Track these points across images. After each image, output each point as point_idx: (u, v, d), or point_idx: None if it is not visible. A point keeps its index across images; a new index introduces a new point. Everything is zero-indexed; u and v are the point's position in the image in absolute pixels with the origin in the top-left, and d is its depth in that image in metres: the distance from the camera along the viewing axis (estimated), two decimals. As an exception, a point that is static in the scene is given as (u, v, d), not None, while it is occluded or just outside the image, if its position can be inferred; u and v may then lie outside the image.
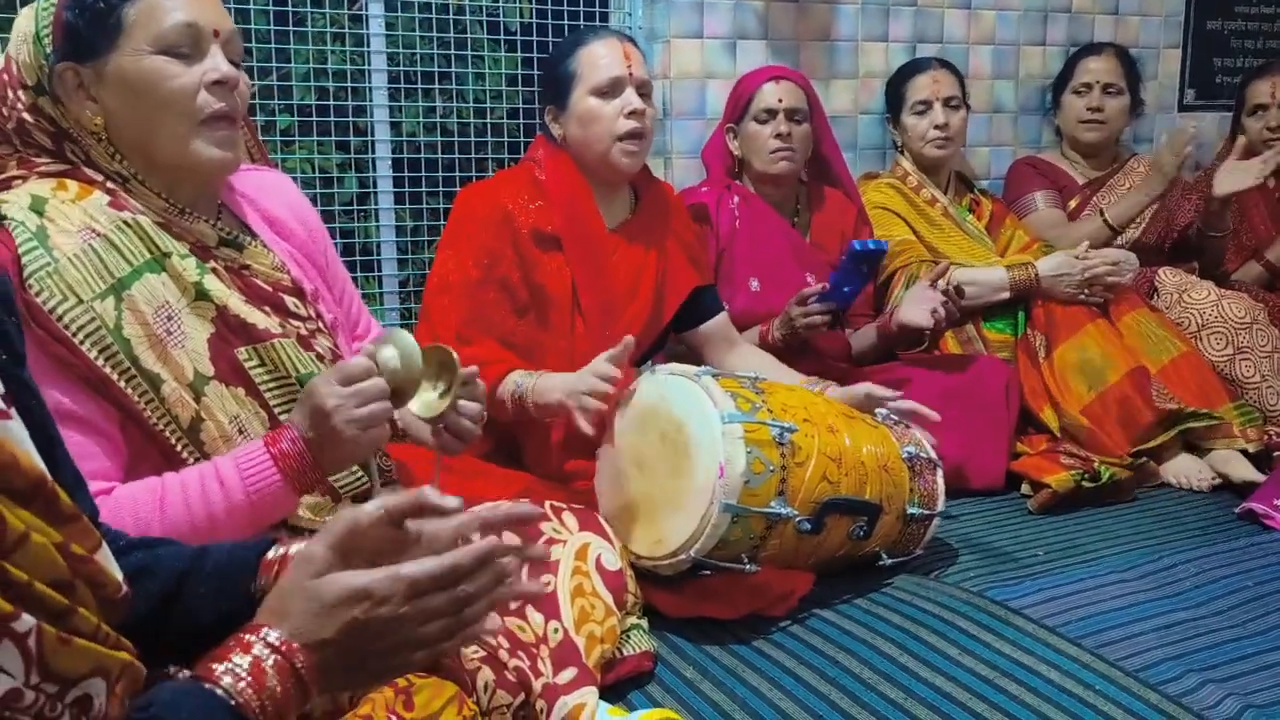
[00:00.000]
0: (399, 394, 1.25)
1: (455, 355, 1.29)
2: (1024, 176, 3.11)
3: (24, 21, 1.28)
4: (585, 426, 1.71)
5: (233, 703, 0.73)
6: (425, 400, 1.30)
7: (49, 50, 1.25)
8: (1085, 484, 2.31)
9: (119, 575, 0.80)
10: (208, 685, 0.74)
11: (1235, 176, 2.78)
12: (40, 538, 0.70)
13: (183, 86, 1.25)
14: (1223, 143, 3.38)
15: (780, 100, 2.47)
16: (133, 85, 1.25)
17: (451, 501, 0.86)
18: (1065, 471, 2.33)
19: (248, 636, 0.77)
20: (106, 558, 0.79)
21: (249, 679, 0.74)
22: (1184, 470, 2.45)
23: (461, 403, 1.35)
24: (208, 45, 1.27)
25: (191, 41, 1.26)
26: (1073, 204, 3.09)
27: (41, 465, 0.73)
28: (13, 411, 0.73)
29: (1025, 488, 2.39)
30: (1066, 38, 3.38)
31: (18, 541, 0.68)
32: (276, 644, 0.76)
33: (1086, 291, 2.60)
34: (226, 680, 0.74)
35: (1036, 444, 2.51)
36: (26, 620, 0.66)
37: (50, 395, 1.16)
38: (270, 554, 0.89)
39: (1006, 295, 2.60)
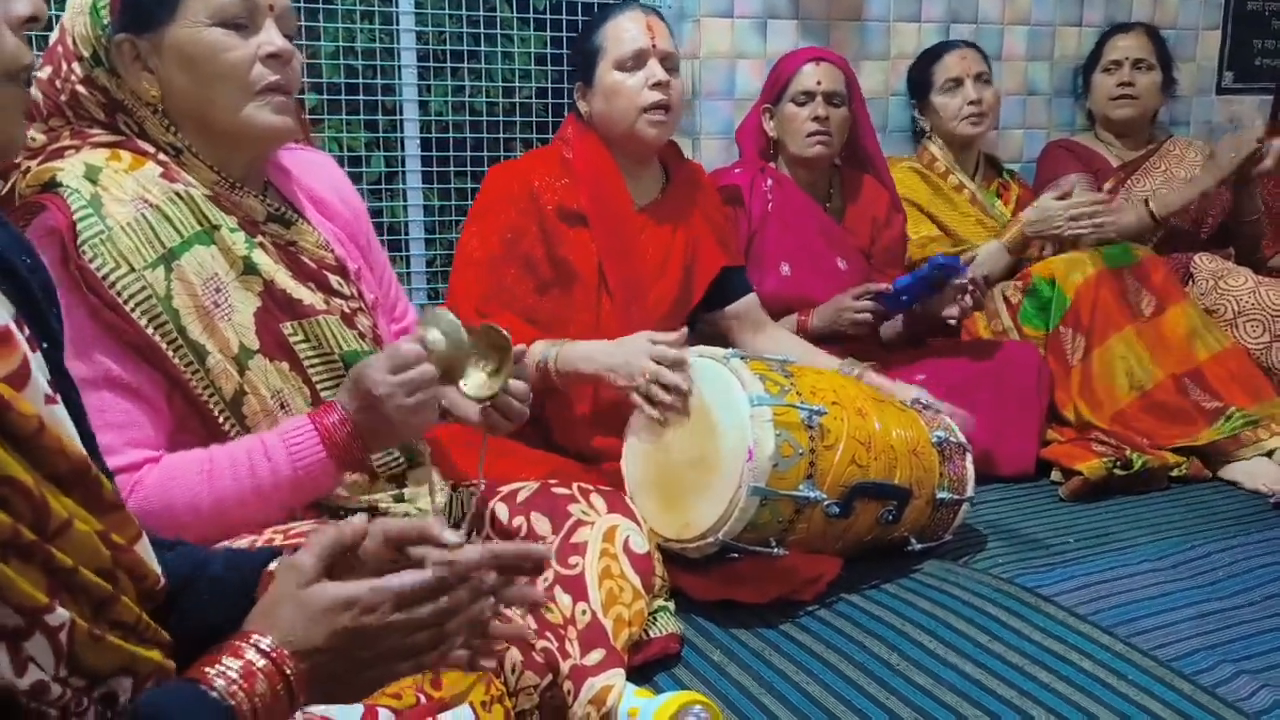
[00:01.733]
0: (447, 374, 1.25)
1: (507, 334, 1.29)
2: (1057, 159, 3.06)
3: None
4: (653, 412, 1.72)
5: (226, 705, 0.74)
6: (476, 380, 1.30)
7: (106, 22, 1.26)
8: (1117, 472, 2.28)
9: (158, 568, 0.80)
10: (201, 686, 0.74)
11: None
12: (83, 525, 0.71)
13: (239, 58, 1.27)
14: (1263, 125, 3.31)
15: (819, 83, 2.44)
16: (190, 56, 1.26)
17: (452, 536, 0.86)
18: (1097, 459, 2.30)
19: (238, 643, 0.77)
20: (146, 549, 0.80)
21: (241, 682, 0.75)
22: (1259, 473, 2.36)
23: (511, 382, 1.35)
24: (262, 19, 1.29)
25: (248, 14, 1.28)
26: (1107, 186, 3.04)
27: (84, 452, 0.73)
28: (58, 398, 0.73)
29: (1056, 474, 2.37)
30: (1104, 18, 3.31)
31: (62, 527, 0.69)
32: (268, 650, 0.77)
33: (1079, 228, 2.62)
34: (219, 683, 0.74)
35: (1067, 431, 2.48)
36: (61, 614, 0.67)
37: (100, 362, 1.19)
38: (272, 565, 0.90)
39: (1008, 256, 2.69)
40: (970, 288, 2.33)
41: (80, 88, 1.28)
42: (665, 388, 1.70)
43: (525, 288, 1.95)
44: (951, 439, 1.89)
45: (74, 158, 1.25)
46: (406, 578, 0.82)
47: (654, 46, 1.99)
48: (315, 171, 1.50)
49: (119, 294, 1.20)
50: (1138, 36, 3.04)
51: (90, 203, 1.20)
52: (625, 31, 1.99)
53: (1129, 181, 3.04)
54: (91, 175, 1.22)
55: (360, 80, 2.53)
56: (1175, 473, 2.37)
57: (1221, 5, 3.53)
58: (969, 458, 1.91)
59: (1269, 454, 2.40)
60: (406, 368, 1.21)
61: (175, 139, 1.30)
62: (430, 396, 1.24)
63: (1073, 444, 2.42)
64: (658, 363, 1.71)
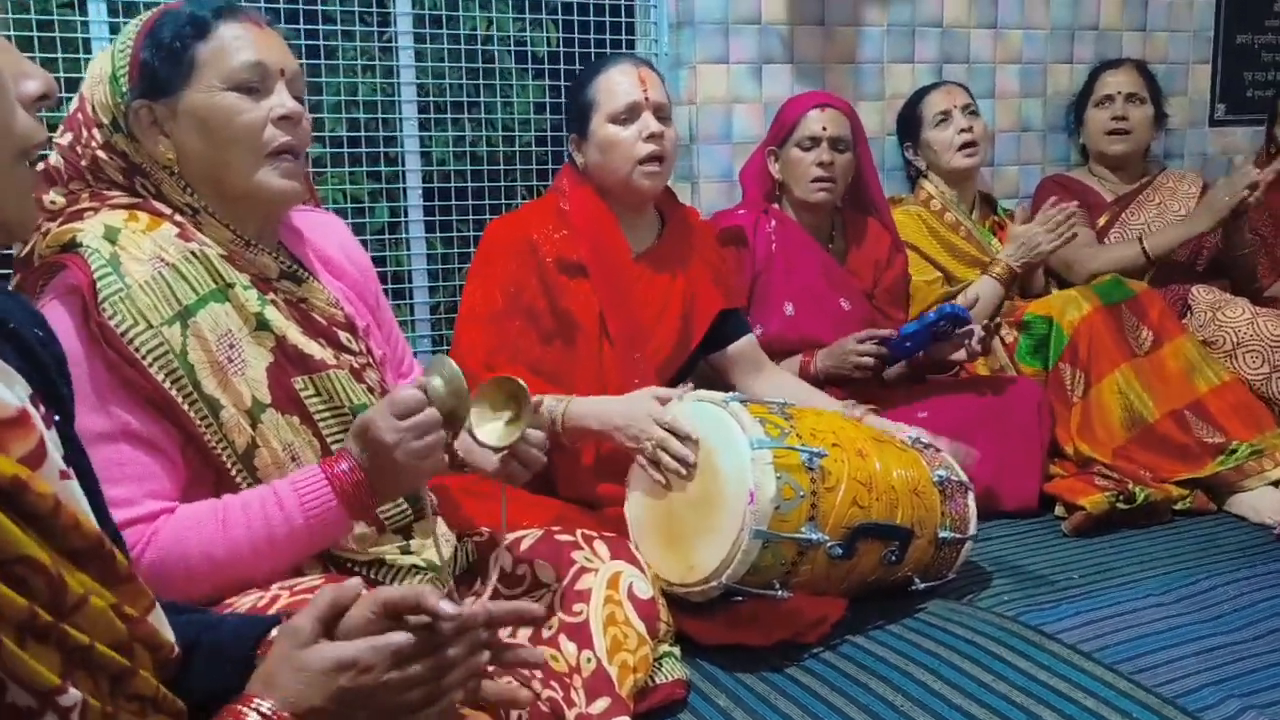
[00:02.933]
0: (449, 421, 1.27)
1: (523, 384, 1.31)
2: (1051, 195, 3.09)
3: (100, 63, 1.35)
4: (657, 476, 1.74)
5: None
6: (495, 429, 1.33)
7: (125, 89, 1.31)
8: (1120, 505, 2.29)
9: (171, 637, 0.82)
10: None
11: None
12: (99, 600, 0.72)
13: (252, 121, 1.32)
14: (1257, 156, 3.35)
15: (825, 128, 2.47)
16: (205, 120, 1.31)
17: (448, 608, 0.87)
18: (1099, 493, 2.31)
19: (240, 707, 0.79)
20: (159, 619, 0.81)
21: None
22: (1264, 506, 2.35)
23: (529, 431, 1.37)
24: (274, 83, 1.34)
25: (260, 78, 1.32)
26: (1101, 221, 3.07)
27: (99, 527, 0.75)
28: (71, 473, 0.75)
29: (1059, 509, 2.37)
30: (1094, 55, 3.37)
31: (78, 604, 0.70)
32: (268, 713, 0.79)
33: (1061, 237, 2.65)
34: None
35: (1069, 466, 2.49)
36: (73, 695, 0.68)
37: (118, 415, 1.22)
38: (273, 633, 0.92)
39: (1003, 292, 2.69)
40: (978, 333, 2.35)
41: (100, 153, 1.32)
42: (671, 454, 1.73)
43: (530, 340, 1.98)
44: (953, 477, 1.90)
45: (93, 219, 1.29)
46: (400, 637, 0.84)
47: (647, 99, 2.02)
48: (324, 232, 1.55)
49: (137, 350, 1.23)
50: (1128, 72, 3.09)
51: (110, 262, 1.24)
52: (618, 85, 2.03)
53: (1123, 215, 3.07)
54: (110, 235, 1.26)
55: (363, 133, 2.57)
56: (1179, 506, 2.38)
57: (1211, 40, 3.58)
58: (971, 496, 1.92)
59: (1275, 484, 2.40)
60: (411, 413, 1.23)
61: (192, 199, 1.34)
62: (437, 440, 1.26)
63: (1075, 478, 2.42)
64: (667, 429, 1.73)
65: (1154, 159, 3.24)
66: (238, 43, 1.31)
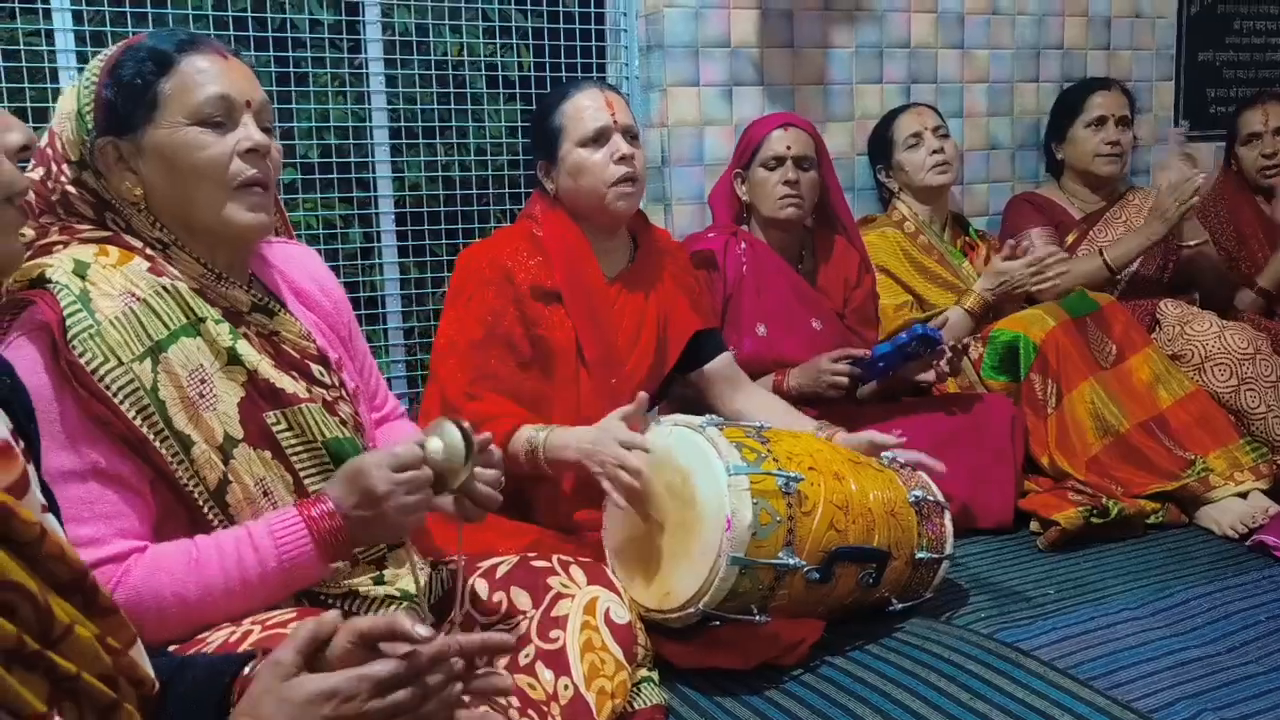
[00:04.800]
0: (438, 482, 1.29)
1: (469, 426, 1.32)
2: (1021, 212, 3.13)
3: (67, 101, 1.34)
4: (618, 499, 1.73)
5: None
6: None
7: (90, 126, 1.30)
8: (1094, 520, 2.30)
9: (151, 673, 0.82)
10: None
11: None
12: (84, 630, 0.72)
13: (217, 155, 1.30)
14: (1219, 172, 3.40)
15: (789, 147, 2.49)
16: (169, 156, 1.30)
17: (422, 631, 0.90)
18: (1073, 508, 2.33)
19: None
20: (140, 654, 0.81)
21: None
22: (1226, 518, 2.37)
23: (479, 470, 1.37)
24: (240, 115, 1.32)
25: (225, 112, 1.31)
26: (1070, 238, 3.10)
27: (81, 560, 0.75)
28: (49, 507, 0.75)
29: (1034, 525, 2.39)
30: (1060, 73, 3.41)
31: (64, 633, 0.70)
32: None
33: (1044, 282, 2.66)
34: None
35: (1044, 481, 2.51)
36: None
37: (88, 454, 1.21)
38: (246, 671, 0.92)
39: (973, 325, 2.70)
40: (947, 354, 2.37)
41: (70, 188, 1.31)
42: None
43: (509, 368, 1.97)
44: (929, 497, 1.91)
45: (62, 254, 1.27)
46: (381, 666, 0.86)
47: (615, 122, 2.03)
48: (296, 263, 1.53)
49: (108, 387, 1.21)
50: (1117, 95, 3.12)
51: (79, 298, 1.23)
52: (585, 110, 2.03)
53: (1091, 232, 3.11)
54: (80, 271, 1.25)
55: (334, 158, 2.56)
56: (1152, 519, 2.40)
57: (1173, 58, 3.64)
58: (947, 515, 1.93)
59: (1244, 495, 2.43)
60: (408, 468, 1.25)
61: (162, 234, 1.33)
62: (426, 499, 1.28)
63: (1050, 494, 2.44)
64: (627, 448, 1.73)
65: (1121, 177, 3.29)
66: (201, 76, 1.30)
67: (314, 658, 0.88)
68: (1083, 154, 3.12)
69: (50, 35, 2.28)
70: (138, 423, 1.23)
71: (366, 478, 1.25)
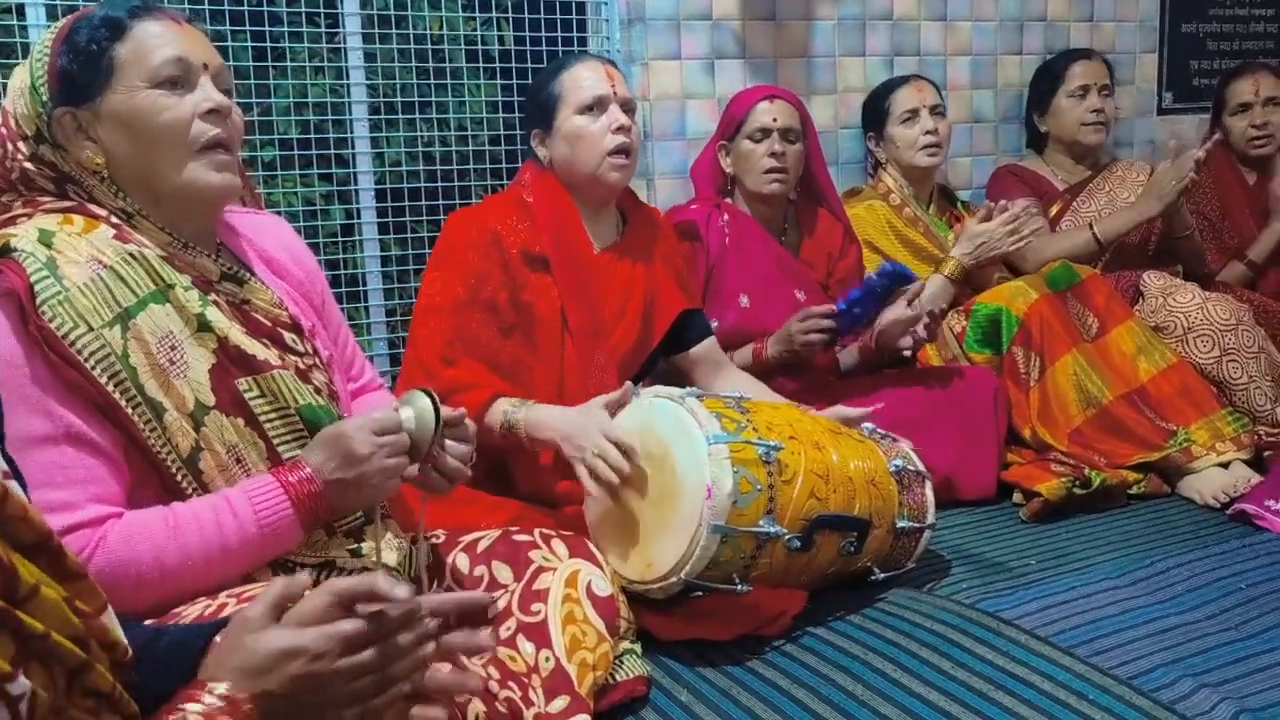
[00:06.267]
0: (411, 453, 1.33)
1: (437, 397, 1.34)
2: (1005, 185, 3.13)
3: (19, 76, 1.32)
4: (592, 487, 1.71)
5: None
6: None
7: (45, 98, 1.29)
8: (1076, 491, 2.31)
9: (124, 638, 0.81)
10: None
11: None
12: (51, 591, 0.72)
13: (177, 117, 1.30)
14: (1214, 145, 3.39)
15: (775, 120, 2.48)
16: (129, 121, 1.29)
17: (401, 591, 0.89)
18: (1056, 479, 2.33)
19: (194, 691, 0.79)
20: (112, 619, 0.81)
21: None
22: (1208, 487, 2.38)
23: (449, 443, 1.38)
24: (198, 77, 1.32)
25: (183, 73, 1.30)
26: (1054, 210, 3.10)
27: (46, 522, 0.74)
28: (13, 475, 0.74)
29: (1017, 496, 2.40)
30: (1043, 46, 3.41)
31: (30, 593, 0.69)
32: (225, 695, 0.79)
33: (1021, 240, 2.65)
34: None
35: (1026, 453, 2.51)
36: (21, 683, 0.67)
37: (61, 418, 1.20)
38: (219, 637, 0.92)
39: (953, 290, 2.67)
40: (924, 319, 2.36)
41: (28, 164, 1.30)
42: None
43: (490, 333, 1.96)
44: (910, 467, 1.91)
45: (27, 224, 1.26)
46: (350, 624, 0.85)
47: (615, 93, 2.03)
48: (267, 232, 1.52)
49: (79, 352, 1.21)
50: (1097, 64, 3.12)
51: (46, 265, 1.22)
52: (585, 79, 2.03)
53: (1075, 203, 3.11)
54: (45, 239, 1.24)
55: (313, 135, 2.54)
56: (1134, 490, 2.41)
57: (1157, 30, 3.63)
58: (928, 485, 1.94)
59: (1226, 465, 2.44)
60: (388, 431, 1.28)
61: (125, 203, 1.32)
62: (402, 463, 1.31)
63: (1032, 465, 2.45)
64: (611, 441, 1.70)
65: (1104, 148, 3.28)
66: (156, 40, 1.29)
67: (284, 615, 0.88)
68: (1068, 124, 3.11)
69: (21, 9, 2.25)
70: (110, 388, 1.22)
71: (348, 440, 1.27)
